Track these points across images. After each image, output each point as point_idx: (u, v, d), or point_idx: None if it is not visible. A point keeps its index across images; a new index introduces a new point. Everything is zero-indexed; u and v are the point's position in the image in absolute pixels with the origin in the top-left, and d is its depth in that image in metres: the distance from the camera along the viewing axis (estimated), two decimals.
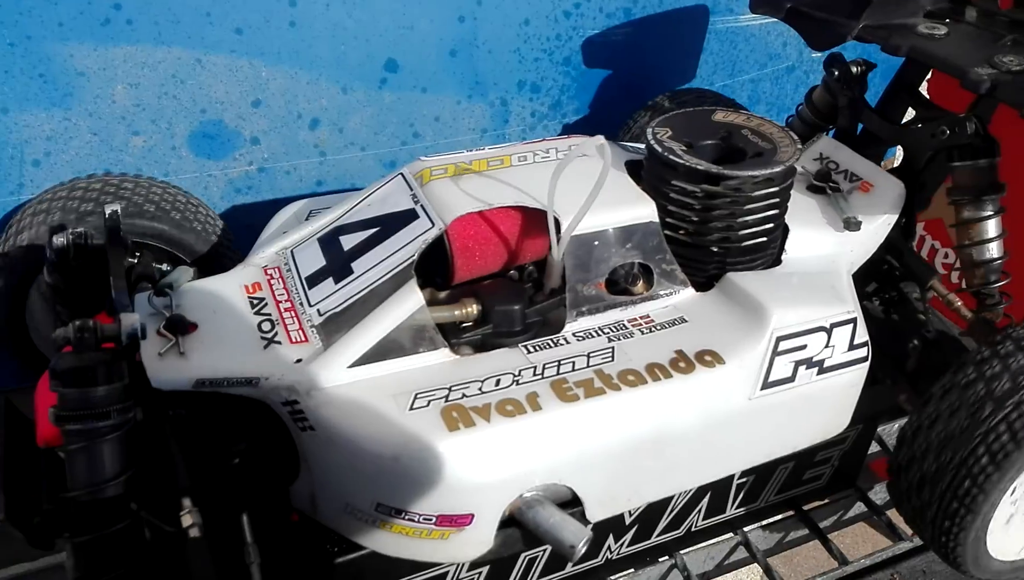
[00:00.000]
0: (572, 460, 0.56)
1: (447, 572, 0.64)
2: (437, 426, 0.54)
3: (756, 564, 0.83)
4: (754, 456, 0.66)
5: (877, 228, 0.74)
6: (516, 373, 0.58)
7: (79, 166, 0.89)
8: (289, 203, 0.75)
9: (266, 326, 0.60)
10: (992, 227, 0.74)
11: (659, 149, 0.64)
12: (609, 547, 0.73)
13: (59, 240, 0.57)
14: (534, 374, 0.58)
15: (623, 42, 1.09)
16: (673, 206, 0.65)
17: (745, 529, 0.83)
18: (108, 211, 0.58)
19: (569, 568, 0.72)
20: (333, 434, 0.54)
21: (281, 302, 0.62)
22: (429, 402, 0.55)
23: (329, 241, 0.65)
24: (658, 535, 0.75)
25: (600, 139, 0.61)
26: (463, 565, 0.64)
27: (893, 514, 0.86)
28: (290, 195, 1.00)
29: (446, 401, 0.55)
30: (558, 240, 0.60)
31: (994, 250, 0.74)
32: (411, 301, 0.58)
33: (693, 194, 0.64)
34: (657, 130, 0.67)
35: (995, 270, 0.74)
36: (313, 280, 0.63)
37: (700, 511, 0.75)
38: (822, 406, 0.66)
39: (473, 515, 0.55)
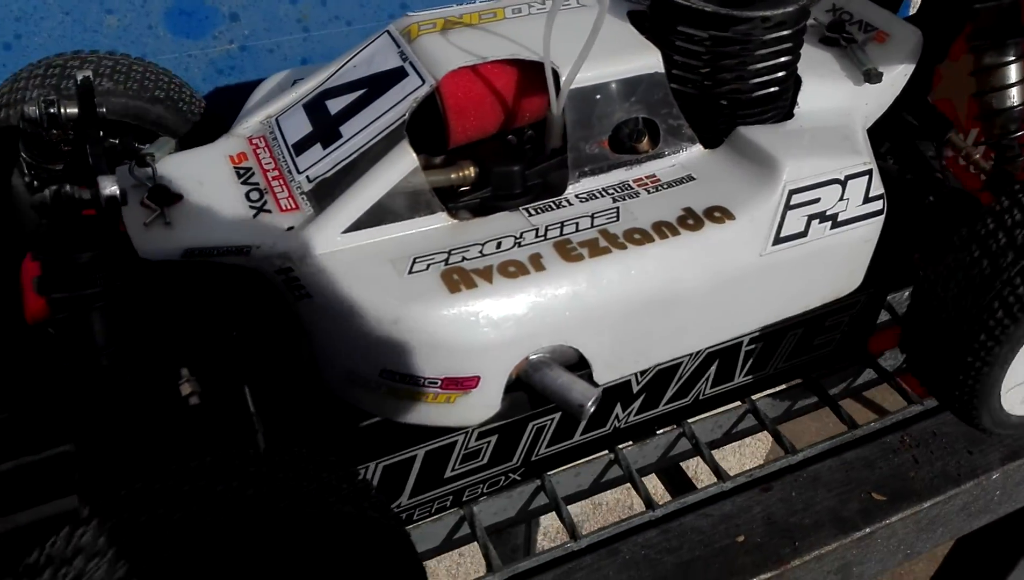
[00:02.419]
0: (578, 321, 0.55)
1: (455, 442, 0.63)
2: (438, 288, 0.52)
3: (765, 431, 0.83)
4: (765, 316, 0.64)
5: (894, 79, 0.70)
6: (518, 235, 0.56)
7: (52, 48, 0.84)
8: None
9: (254, 195, 0.58)
10: (1014, 72, 0.70)
11: None
12: (617, 416, 0.72)
13: (31, 109, 0.54)
14: (536, 236, 0.56)
15: None
16: (679, 56, 0.61)
17: (753, 397, 0.82)
18: (80, 77, 0.54)
19: (577, 437, 0.71)
20: (331, 301, 0.52)
21: (268, 171, 0.59)
22: (428, 265, 0.53)
23: (315, 106, 0.62)
24: (665, 404, 0.74)
25: None
26: (471, 435, 0.63)
27: (903, 383, 0.86)
28: (272, 72, 0.95)
29: (446, 264, 0.53)
30: (557, 94, 0.57)
31: (1015, 97, 0.70)
32: (404, 162, 0.55)
33: (701, 41, 0.60)
34: None
35: (1015, 119, 0.71)
36: (300, 147, 0.60)
37: (708, 379, 0.74)
38: (836, 262, 0.64)
39: (479, 377, 0.53)
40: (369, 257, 0.54)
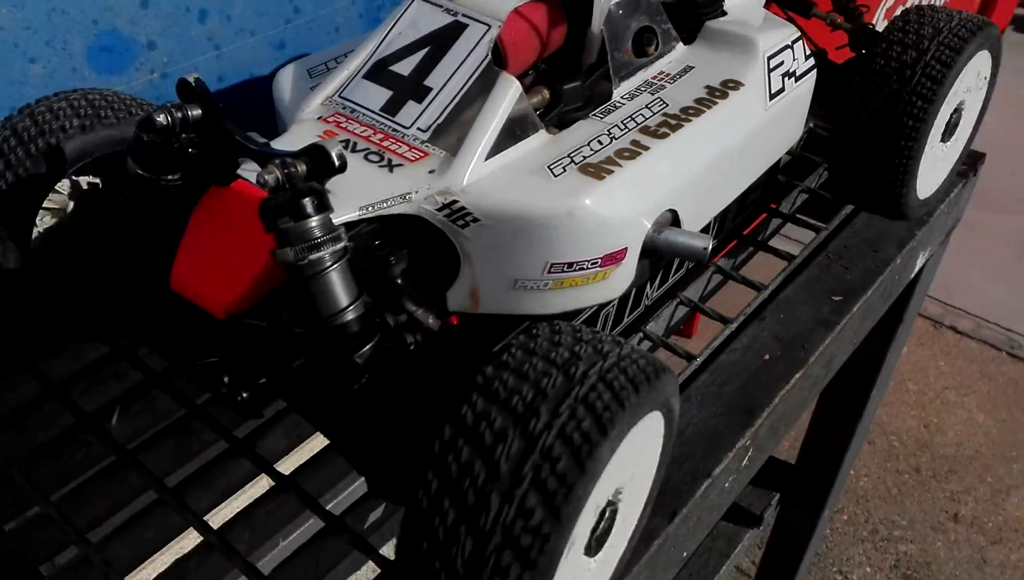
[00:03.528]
0: (676, 186, 0.67)
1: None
2: (586, 181, 0.62)
3: (732, 281, 1.00)
4: (767, 160, 0.81)
5: None
6: (607, 132, 0.67)
7: None
8: None
9: (374, 158, 0.63)
10: None
11: None
12: (647, 295, 0.85)
13: (160, 119, 0.55)
14: (621, 129, 0.67)
15: None
16: None
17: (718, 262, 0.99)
18: (192, 79, 0.56)
19: (625, 318, 0.83)
20: (500, 215, 0.60)
21: (370, 137, 0.65)
22: (564, 168, 0.63)
23: (379, 74, 0.68)
24: (674, 274, 0.89)
25: None
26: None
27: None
28: None
29: (575, 163, 0.63)
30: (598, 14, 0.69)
31: None
32: (511, 90, 0.63)
33: None
34: None
35: None
36: (391, 108, 0.66)
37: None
38: (799, 109, 0.82)
39: (627, 248, 0.64)
40: (513, 174, 0.62)
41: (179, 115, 0.56)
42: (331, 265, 0.52)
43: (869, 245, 1.03)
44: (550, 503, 0.42)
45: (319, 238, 0.51)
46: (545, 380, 0.45)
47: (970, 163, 1.12)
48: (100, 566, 0.70)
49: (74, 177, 0.71)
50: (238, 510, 0.77)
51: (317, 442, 0.88)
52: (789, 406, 0.88)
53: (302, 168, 0.51)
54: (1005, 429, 2.90)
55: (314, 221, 0.50)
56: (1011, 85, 4.42)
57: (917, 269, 1.14)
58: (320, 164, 0.51)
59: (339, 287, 0.52)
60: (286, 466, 0.80)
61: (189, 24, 0.93)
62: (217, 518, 0.76)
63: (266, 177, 0.50)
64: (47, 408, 0.85)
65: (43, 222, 0.70)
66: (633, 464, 0.53)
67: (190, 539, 0.77)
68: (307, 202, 0.50)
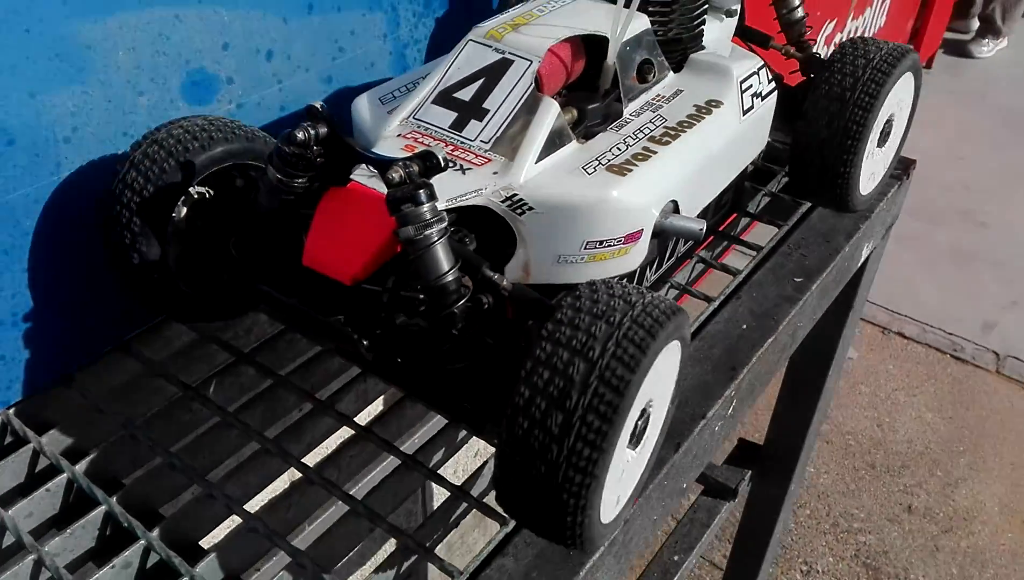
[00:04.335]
0: (678, 181, 0.87)
1: None
2: (612, 177, 0.81)
3: (711, 269, 1.21)
4: (742, 162, 1.01)
5: (736, 15, 1.11)
6: (623, 141, 0.86)
7: (103, 134, 0.96)
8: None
9: (449, 164, 0.82)
10: None
11: None
12: (647, 277, 1.05)
13: (299, 135, 0.73)
14: (635, 138, 0.87)
15: None
16: (653, 17, 0.95)
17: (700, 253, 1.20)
18: (318, 105, 0.74)
19: None
20: (551, 204, 0.79)
21: (445, 148, 0.84)
22: (595, 168, 0.82)
23: (445, 100, 0.87)
24: (667, 262, 1.09)
25: None
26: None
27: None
28: (262, 124, 1.13)
29: (602, 165, 0.83)
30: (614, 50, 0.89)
31: (800, 11, 1.15)
32: (552, 110, 0.83)
33: (664, 3, 0.95)
34: None
35: (804, 23, 1.16)
36: (457, 126, 0.84)
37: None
38: (763, 124, 1.03)
39: (642, 229, 0.83)
40: (557, 173, 0.81)
41: (312, 132, 0.74)
42: (437, 239, 0.70)
43: (823, 237, 1.25)
44: (616, 388, 0.61)
45: (431, 219, 0.69)
46: (594, 326, 0.63)
47: (903, 168, 1.35)
48: (221, 498, 0.87)
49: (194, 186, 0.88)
50: (325, 455, 0.94)
51: (380, 402, 1.06)
52: (763, 366, 1.08)
53: (416, 168, 0.70)
54: (951, 426, 3.14)
55: (426, 207, 0.69)
56: (942, 105, 4.76)
57: (863, 258, 1.36)
58: (430, 164, 0.70)
59: (442, 256, 0.71)
60: (360, 420, 0.97)
61: (259, 63, 1.11)
62: (309, 462, 0.93)
63: (392, 175, 0.68)
64: (153, 383, 1.01)
65: (177, 219, 0.87)
66: (660, 381, 0.72)
67: (288, 479, 0.93)
68: (422, 193, 0.69)
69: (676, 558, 1.68)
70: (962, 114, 4.59)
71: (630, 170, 0.82)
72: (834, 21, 2.92)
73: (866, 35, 1.09)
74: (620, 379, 0.61)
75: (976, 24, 5.00)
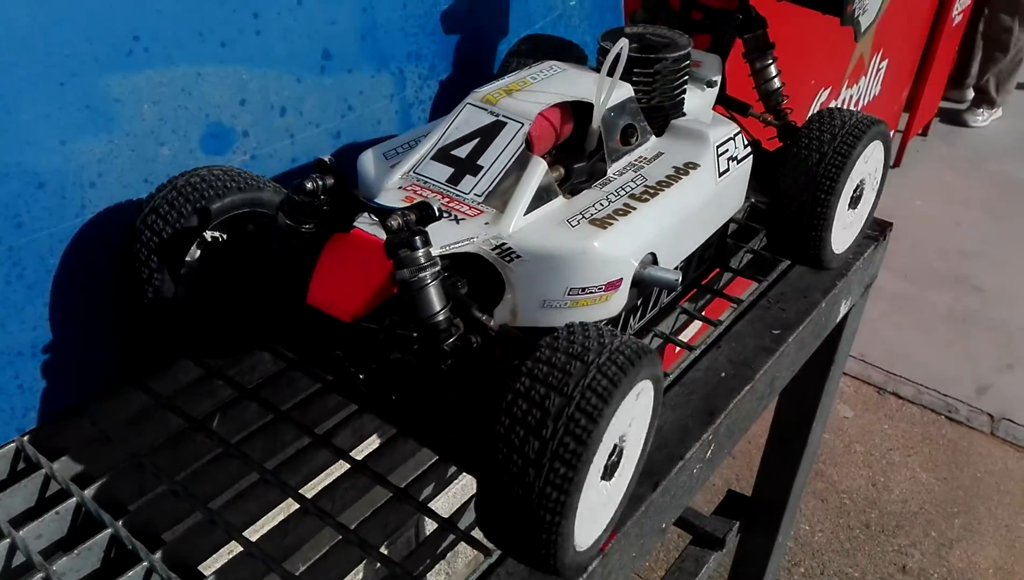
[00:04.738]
0: (656, 235, 0.93)
1: None
2: (594, 230, 0.88)
3: (695, 320, 1.27)
4: (718, 221, 1.08)
5: (716, 85, 1.20)
6: (606, 198, 0.93)
7: (125, 180, 1.04)
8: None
9: (445, 214, 0.89)
10: (773, 69, 1.23)
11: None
12: (631, 325, 1.11)
13: (309, 185, 0.80)
14: (617, 196, 0.94)
15: (466, 9, 1.43)
16: (636, 85, 1.03)
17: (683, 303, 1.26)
18: (327, 158, 0.82)
19: None
20: (537, 253, 0.86)
21: (440, 200, 0.91)
22: (579, 221, 0.89)
23: (443, 156, 0.94)
24: (650, 312, 1.15)
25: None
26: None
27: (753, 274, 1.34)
28: (274, 175, 1.20)
29: (586, 218, 0.90)
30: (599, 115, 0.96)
31: (777, 82, 1.23)
32: (540, 168, 0.90)
33: (648, 75, 1.03)
34: (606, 44, 1.05)
35: (781, 93, 1.24)
36: (454, 180, 0.92)
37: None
38: (739, 185, 1.10)
39: (622, 278, 0.90)
40: (544, 225, 0.88)
41: (320, 183, 0.81)
42: (431, 282, 0.77)
43: (800, 293, 1.31)
44: (589, 418, 0.67)
45: (425, 263, 0.76)
46: (568, 365, 0.70)
47: (880, 229, 1.42)
48: (222, 525, 0.92)
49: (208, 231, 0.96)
50: (321, 487, 0.99)
51: (375, 438, 1.11)
52: (741, 412, 1.14)
53: (414, 217, 0.77)
54: (946, 486, 3.16)
55: (421, 252, 0.76)
56: (939, 172, 4.87)
57: (842, 314, 1.42)
58: (425, 214, 0.77)
59: (435, 297, 0.77)
60: (356, 454, 1.03)
61: (273, 118, 1.19)
62: (306, 493, 0.98)
63: (391, 223, 0.75)
64: (161, 415, 1.07)
65: (191, 260, 0.94)
66: (632, 418, 0.78)
67: (285, 509, 0.99)
68: (418, 239, 0.76)
69: None
70: (959, 182, 4.69)
71: (611, 224, 0.89)
72: (829, 89, 3.03)
73: (860, 103, 1.17)
74: (594, 408, 0.67)
75: (971, 94, 5.13)
